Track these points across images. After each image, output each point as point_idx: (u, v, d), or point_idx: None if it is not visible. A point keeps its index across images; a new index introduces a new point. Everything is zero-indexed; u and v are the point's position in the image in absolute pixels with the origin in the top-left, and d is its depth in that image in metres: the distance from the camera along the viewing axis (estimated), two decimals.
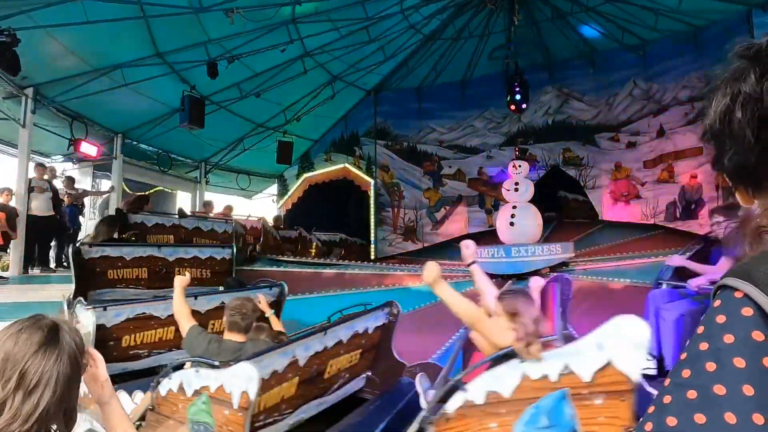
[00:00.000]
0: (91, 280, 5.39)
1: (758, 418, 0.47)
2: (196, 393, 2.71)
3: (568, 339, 2.30)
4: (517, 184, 9.00)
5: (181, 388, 2.79)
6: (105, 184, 11.71)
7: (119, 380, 3.90)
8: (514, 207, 8.87)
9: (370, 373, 3.98)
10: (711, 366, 0.50)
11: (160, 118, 10.90)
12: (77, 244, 5.78)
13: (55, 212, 8.53)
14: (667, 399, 0.52)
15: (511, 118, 12.77)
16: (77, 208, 9.82)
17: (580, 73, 12.28)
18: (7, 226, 7.58)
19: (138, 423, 2.98)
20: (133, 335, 4.15)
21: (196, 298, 4.50)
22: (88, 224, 10.72)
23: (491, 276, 8.30)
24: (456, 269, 9.48)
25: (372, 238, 14.01)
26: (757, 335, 0.50)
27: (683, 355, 0.54)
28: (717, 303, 0.55)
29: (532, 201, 9.02)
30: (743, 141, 0.60)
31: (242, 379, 2.50)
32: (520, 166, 9.14)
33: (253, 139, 13.31)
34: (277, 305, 4.92)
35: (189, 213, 10.03)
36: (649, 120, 11.09)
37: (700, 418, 0.49)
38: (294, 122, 13.00)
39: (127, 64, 9.09)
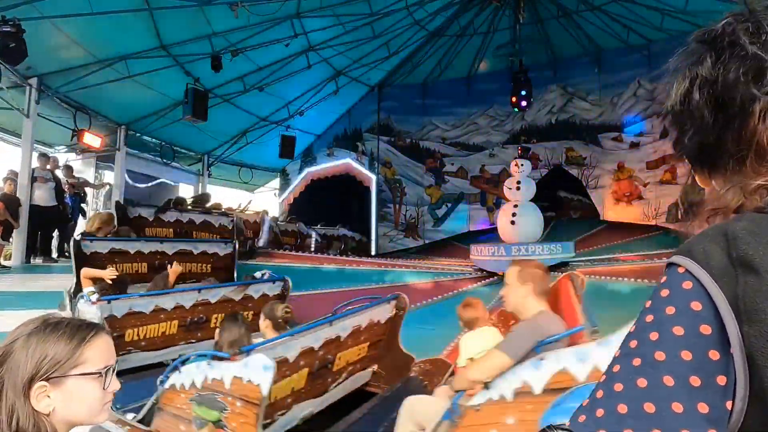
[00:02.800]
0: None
1: (695, 380, 0.52)
2: (208, 386, 2.66)
3: (595, 334, 2.28)
4: (519, 182, 9.00)
5: (191, 382, 2.74)
6: (108, 176, 11.74)
7: (123, 375, 3.93)
8: (516, 206, 8.88)
9: (376, 367, 3.96)
10: (654, 335, 0.55)
11: (164, 110, 10.90)
12: (77, 237, 5.73)
13: (58, 202, 8.56)
14: (616, 368, 0.57)
15: (514, 116, 12.75)
16: (79, 198, 9.85)
17: (585, 72, 12.24)
18: (9, 215, 7.61)
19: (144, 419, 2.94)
20: (136, 329, 4.13)
21: (199, 292, 4.49)
22: (89, 215, 10.75)
23: (493, 275, 8.33)
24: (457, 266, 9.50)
25: (373, 234, 14.03)
26: (695, 305, 0.54)
27: (632, 328, 0.58)
28: (663, 279, 0.59)
29: (534, 199, 9.04)
30: (702, 121, 0.64)
31: (257, 370, 2.45)
32: (522, 164, 9.14)
33: (256, 132, 13.32)
34: (281, 299, 4.95)
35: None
36: (653, 121, 11.06)
37: (642, 383, 0.53)
38: (297, 117, 13.01)
39: (131, 55, 9.09)
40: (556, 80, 12.59)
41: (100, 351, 1.10)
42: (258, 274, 5.35)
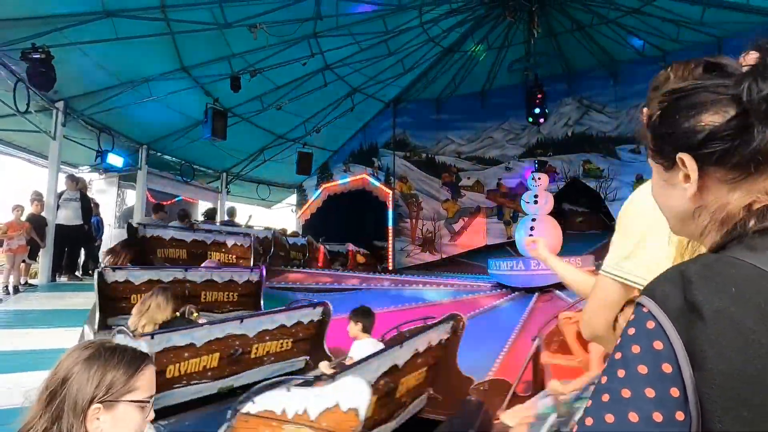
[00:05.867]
0: (114, 305, 5.07)
1: (657, 416, 0.55)
2: (292, 418, 2.43)
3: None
4: (536, 196, 8.97)
5: (270, 413, 2.48)
6: (130, 195, 11.98)
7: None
8: (534, 219, 8.83)
9: (431, 391, 3.65)
10: (621, 372, 0.59)
11: (184, 129, 11.13)
12: (100, 268, 5.24)
13: (84, 222, 8.74)
14: (589, 403, 0.61)
15: (530, 129, 12.73)
16: (103, 218, 10.06)
17: (601, 84, 12.21)
18: (36, 235, 7.80)
19: None
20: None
21: (241, 322, 4.15)
22: (113, 233, 10.95)
23: (505, 287, 8.28)
24: (471, 277, 9.44)
25: (390, 249, 14.04)
26: (657, 345, 0.58)
27: (606, 364, 0.62)
28: (632, 317, 0.62)
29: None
30: None
31: (351, 394, 2.30)
32: (539, 178, 9.11)
33: (274, 150, 13.52)
34: (322, 325, 4.77)
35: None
36: None
37: (609, 418, 0.57)
38: (314, 134, 13.18)
39: (153, 78, 9.34)
40: (572, 93, 12.58)
41: (148, 381, 1.17)
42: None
